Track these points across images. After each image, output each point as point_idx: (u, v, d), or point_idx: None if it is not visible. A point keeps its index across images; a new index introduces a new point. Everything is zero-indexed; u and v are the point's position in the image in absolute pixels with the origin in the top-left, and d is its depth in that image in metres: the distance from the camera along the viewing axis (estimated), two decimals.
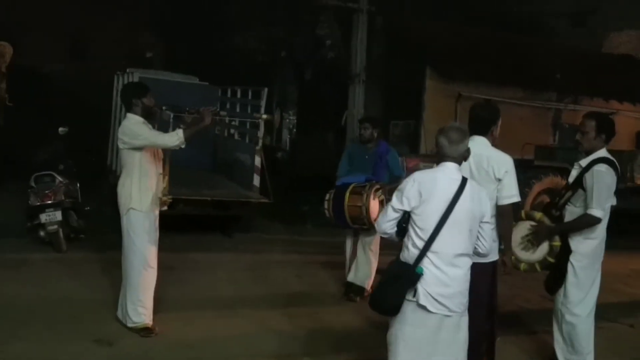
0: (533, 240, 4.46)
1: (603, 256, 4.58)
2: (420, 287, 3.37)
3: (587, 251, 4.48)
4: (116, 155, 8.11)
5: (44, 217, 6.94)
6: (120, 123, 5.19)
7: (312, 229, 9.66)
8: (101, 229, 7.55)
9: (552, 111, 13.55)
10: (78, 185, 7.76)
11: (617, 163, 4.43)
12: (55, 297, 5.51)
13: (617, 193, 4.50)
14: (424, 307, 3.37)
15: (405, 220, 3.48)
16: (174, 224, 7.00)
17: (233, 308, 5.74)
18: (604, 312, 5.75)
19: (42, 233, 7.04)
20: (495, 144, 4.21)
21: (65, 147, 8.20)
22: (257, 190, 8.68)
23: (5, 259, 6.52)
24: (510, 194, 4.07)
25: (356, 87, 12.28)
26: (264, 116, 7.86)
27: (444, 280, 3.39)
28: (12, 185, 9.13)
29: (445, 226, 3.36)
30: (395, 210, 3.46)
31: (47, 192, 7.09)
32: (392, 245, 3.64)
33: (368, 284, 6.21)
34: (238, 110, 9.56)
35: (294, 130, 17.77)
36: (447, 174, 3.47)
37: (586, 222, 4.37)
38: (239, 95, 9.97)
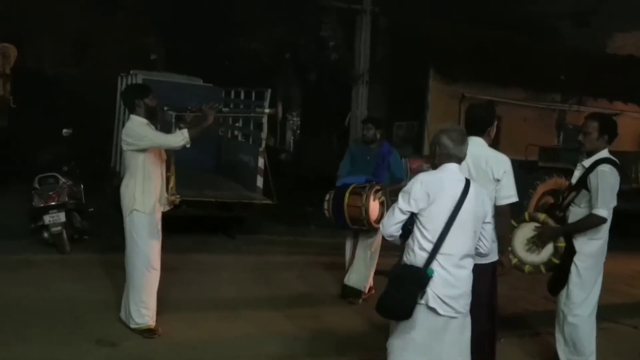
0: (538, 241, 4.45)
1: (605, 257, 4.57)
2: (429, 289, 3.36)
3: (592, 252, 4.48)
4: (120, 156, 8.12)
5: (47, 219, 6.95)
6: (124, 125, 5.20)
7: (315, 230, 9.66)
8: (104, 230, 7.57)
9: (556, 112, 13.54)
10: (82, 186, 7.78)
11: (619, 164, 4.42)
12: (58, 298, 5.52)
13: (622, 194, 4.49)
14: (433, 310, 3.36)
15: (410, 223, 3.45)
16: (177, 225, 7.02)
17: (236, 309, 5.74)
18: (606, 313, 5.73)
19: (45, 234, 7.05)
20: (491, 144, 4.20)
21: (69, 149, 8.22)
22: (261, 192, 8.69)
23: (9, 260, 6.53)
24: (509, 194, 4.07)
25: (360, 88, 12.30)
26: (267, 110, 7.84)
27: (451, 282, 3.38)
28: (16, 187, 9.16)
29: (452, 227, 3.36)
30: (402, 212, 3.43)
31: (50, 193, 7.10)
32: (392, 246, 3.61)
33: (365, 287, 6.18)
34: (241, 115, 9.56)
35: (298, 131, 17.78)
36: (451, 175, 3.47)
37: (592, 223, 4.37)
38: (242, 96, 9.98)
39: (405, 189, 3.48)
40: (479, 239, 3.53)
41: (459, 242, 3.40)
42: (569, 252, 4.45)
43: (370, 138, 6.28)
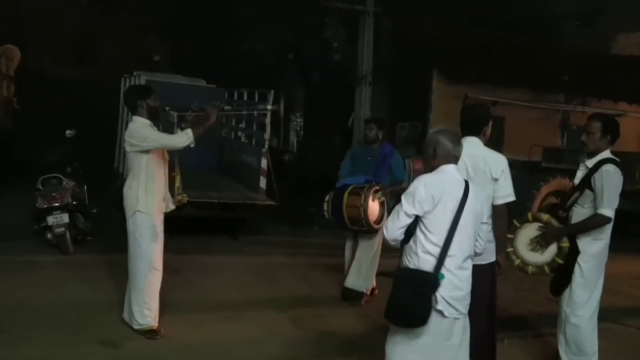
0: (541, 241, 4.44)
1: (607, 257, 4.56)
2: (437, 292, 3.34)
3: (595, 252, 4.48)
4: (123, 157, 8.14)
5: (51, 220, 6.96)
6: (127, 126, 5.22)
7: (318, 231, 9.65)
8: (108, 231, 7.57)
9: (559, 113, 13.50)
10: (85, 187, 7.81)
11: (621, 164, 4.42)
12: (61, 300, 5.53)
13: (625, 195, 4.48)
14: (440, 313, 3.33)
15: (412, 226, 3.40)
16: (181, 226, 7.02)
17: (238, 310, 5.74)
18: (610, 314, 5.74)
19: (49, 235, 7.07)
20: (486, 143, 4.20)
21: (72, 150, 8.24)
22: (263, 193, 8.69)
23: (12, 261, 6.55)
24: (507, 193, 4.07)
25: (363, 89, 12.30)
26: (269, 107, 7.85)
27: (456, 283, 3.37)
28: (19, 188, 9.18)
29: (456, 229, 3.34)
30: (408, 215, 3.36)
31: (54, 194, 7.12)
32: (392, 248, 3.58)
33: (368, 289, 6.16)
34: (244, 113, 9.56)
35: (301, 132, 17.78)
36: (452, 176, 3.45)
37: (597, 222, 4.36)
38: (245, 97, 9.99)
39: (408, 191, 3.41)
40: (476, 238, 3.52)
41: (462, 244, 3.38)
42: (573, 253, 4.44)
43: (372, 138, 6.26)
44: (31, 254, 6.92)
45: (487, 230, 4.00)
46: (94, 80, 14.77)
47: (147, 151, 4.82)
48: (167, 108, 5.12)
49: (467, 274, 3.43)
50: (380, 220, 5.84)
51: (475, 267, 3.57)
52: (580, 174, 4.53)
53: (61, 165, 7.74)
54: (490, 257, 4.06)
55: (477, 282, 3.59)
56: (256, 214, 9.01)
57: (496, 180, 4.03)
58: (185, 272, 6.65)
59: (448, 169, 3.45)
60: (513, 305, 6.42)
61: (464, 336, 3.47)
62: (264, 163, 8.72)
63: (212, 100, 5.29)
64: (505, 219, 4.16)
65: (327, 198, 6.09)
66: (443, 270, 3.33)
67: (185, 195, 5.21)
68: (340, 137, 14.16)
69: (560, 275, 4.54)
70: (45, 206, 7.03)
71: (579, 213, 4.47)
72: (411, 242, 3.41)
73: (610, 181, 4.30)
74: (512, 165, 11.02)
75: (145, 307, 4.89)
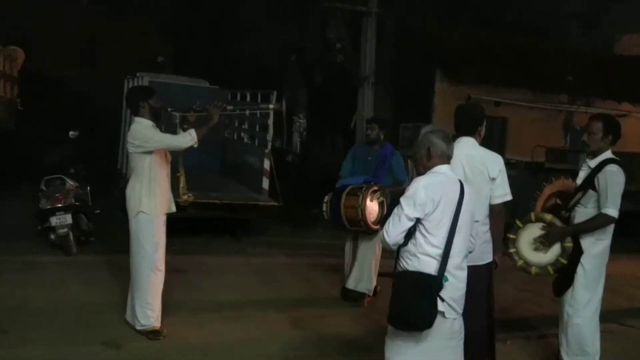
0: (545, 241, 4.43)
1: (608, 257, 4.56)
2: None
3: (598, 252, 4.47)
4: (126, 158, 8.16)
5: (54, 220, 6.98)
6: (130, 127, 5.23)
7: (322, 232, 9.64)
8: (111, 232, 7.58)
9: (563, 113, 13.49)
10: (88, 188, 7.82)
11: (623, 164, 4.42)
12: (64, 300, 5.55)
13: (630, 195, 4.47)
14: (441, 314, 3.32)
15: (412, 228, 3.35)
16: (183, 226, 7.02)
17: (241, 311, 5.74)
18: (613, 315, 5.72)
19: (52, 236, 7.09)
20: (481, 143, 4.20)
21: (75, 151, 8.27)
22: (266, 193, 8.70)
23: (16, 262, 6.57)
24: (504, 192, 4.07)
25: (365, 90, 12.30)
26: (271, 105, 7.85)
27: (455, 284, 3.36)
28: (22, 189, 9.20)
29: (456, 230, 3.33)
30: (409, 219, 3.31)
31: (57, 195, 7.14)
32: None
33: (370, 290, 6.14)
34: (246, 112, 9.56)
35: (304, 133, 17.79)
36: (449, 177, 3.42)
37: (601, 222, 4.36)
38: (248, 98, 9.99)
39: (407, 194, 3.35)
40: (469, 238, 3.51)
41: (461, 245, 3.37)
42: (576, 253, 4.43)
43: (374, 138, 6.24)
44: (34, 254, 6.94)
45: (484, 230, 4.01)
46: (97, 81, 14.83)
47: (150, 152, 4.83)
48: (169, 109, 5.12)
49: (465, 274, 3.43)
50: (379, 220, 5.81)
51: (473, 268, 3.56)
52: (582, 174, 4.52)
53: (64, 166, 7.77)
54: (487, 257, 4.06)
55: (475, 283, 3.58)
56: (259, 215, 9.01)
57: (493, 179, 4.03)
58: (188, 272, 6.65)
59: (443, 169, 3.42)
60: (516, 306, 6.41)
61: (460, 335, 3.48)
62: (266, 164, 8.72)
63: (215, 101, 5.29)
64: (502, 219, 4.15)
65: (326, 199, 6.08)
66: (445, 272, 3.32)
67: (190, 194, 5.23)
68: (343, 138, 14.16)
69: (564, 275, 4.53)
70: (49, 207, 7.04)
71: (582, 213, 4.46)
72: (410, 244, 3.35)
73: (615, 181, 4.30)
74: (515, 165, 11.03)
75: (148, 307, 4.89)
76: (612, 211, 4.28)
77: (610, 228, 4.43)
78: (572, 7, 15.14)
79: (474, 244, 3.61)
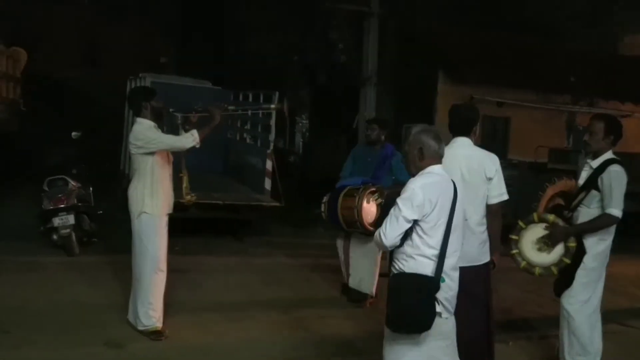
0: (549, 241, 4.43)
1: (609, 257, 4.56)
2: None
3: (600, 252, 4.47)
4: (129, 159, 8.17)
5: (56, 221, 6.99)
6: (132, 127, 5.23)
7: (324, 232, 9.63)
8: (113, 232, 7.59)
9: (566, 114, 13.46)
10: (91, 189, 7.83)
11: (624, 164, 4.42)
12: (67, 301, 5.55)
13: (632, 196, 4.46)
14: (439, 315, 3.31)
15: (408, 229, 3.31)
16: (185, 227, 7.03)
17: (243, 311, 5.74)
18: (616, 316, 5.70)
19: (54, 237, 7.09)
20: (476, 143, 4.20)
21: (78, 151, 8.28)
22: (268, 194, 8.70)
23: (18, 262, 6.58)
24: (501, 192, 4.08)
25: (368, 90, 12.28)
26: (273, 105, 7.84)
27: (450, 284, 3.36)
28: (25, 189, 9.22)
29: (451, 230, 3.32)
30: (408, 221, 3.26)
31: (60, 196, 7.14)
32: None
33: (372, 291, 6.12)
34: (250, 114, 9.56)
35: (307, 133, 17.78)
36: (443, 177, 3.39)
37: (605, 222, 4.36)
38: (250, 99, 9.99)
39: (404, 196, 3.29)
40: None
41: (456, 245, 3.37)
42: (579, 253, 4.43)
43: (374, 139, 6.21)
44: (37, 255, 6.95)
45: (481, 231, 4.00)
46: (100, 82, 14.85)
47: (152, 153, 4.83)
48: (171, 109, 5.13)
49: (458, 274, 3.43)
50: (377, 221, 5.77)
51: (471, 269, 3.56)
52: (585, 174, 4.51)
53: (67, 166, 7.77)
54: (485, 257, 4.06)
55: (473, 283, 3.58)
56: (261, 216, 9.00)
57: (490, 179, 4.03)
58: (190, 273, 6.65)
59: (436, 169, 3.38)
60: (518, 307, 6.40)
61: (454, 335, 3.48)
62: (269, 164, 8.72)
63: (217, 101, 5.31)
64: (499, 219, 4.15)
65: (324, 199, 6.07)
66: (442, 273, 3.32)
67: (193, 194, 5.23)
68: (345, 138, 14.16)
69: (565, 275, 4.52)
70: (51, 207, 7.05)
71: (585, 213, 4.46)
72: (405, 245, 3.31)
73: (619, 181, 4.30)
74: (518, 166, 11.00)
75: (150, 308, 4.90)
76: (616, 211, 4.28)
77: (613, 228, 4.43)
78: (575, 7, 15.13)
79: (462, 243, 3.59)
